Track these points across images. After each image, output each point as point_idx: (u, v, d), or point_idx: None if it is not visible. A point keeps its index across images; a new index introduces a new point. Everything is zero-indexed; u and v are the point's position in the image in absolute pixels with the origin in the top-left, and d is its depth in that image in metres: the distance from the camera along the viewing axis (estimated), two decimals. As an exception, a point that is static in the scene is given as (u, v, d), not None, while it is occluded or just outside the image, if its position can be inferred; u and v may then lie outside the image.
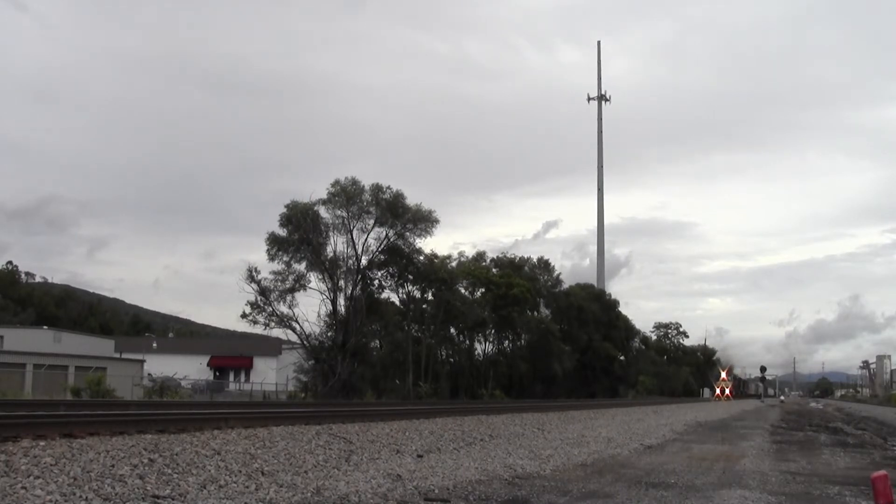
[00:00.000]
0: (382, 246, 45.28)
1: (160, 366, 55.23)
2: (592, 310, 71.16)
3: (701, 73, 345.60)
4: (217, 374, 75.41)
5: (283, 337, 49.41)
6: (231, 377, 74.60)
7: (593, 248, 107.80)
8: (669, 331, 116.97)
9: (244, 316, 42.47)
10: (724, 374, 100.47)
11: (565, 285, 71.98)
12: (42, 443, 7.98)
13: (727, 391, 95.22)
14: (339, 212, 43.62)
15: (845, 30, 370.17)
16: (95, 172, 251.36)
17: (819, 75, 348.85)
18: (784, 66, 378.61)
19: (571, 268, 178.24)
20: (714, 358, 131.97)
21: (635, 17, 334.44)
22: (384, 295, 49.52)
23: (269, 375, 59.19)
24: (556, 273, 70.54)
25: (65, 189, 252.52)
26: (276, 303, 42.65)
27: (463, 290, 54.49)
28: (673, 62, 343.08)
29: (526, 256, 67.87)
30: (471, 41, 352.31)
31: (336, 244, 44.00)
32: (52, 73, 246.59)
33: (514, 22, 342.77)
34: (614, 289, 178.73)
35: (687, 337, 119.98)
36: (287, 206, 43.09)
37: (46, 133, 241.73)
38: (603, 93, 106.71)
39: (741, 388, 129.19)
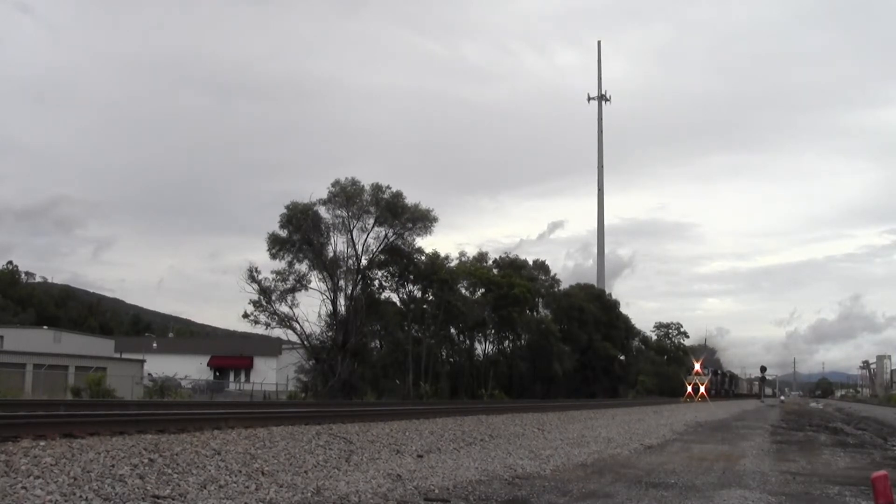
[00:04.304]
0: (382, 246, 45.31)
1: (160, 366, 55.19)
2: (592, 310, 71.12)
3: (699, 75, 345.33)
4: (217, 374, 75.34)
5: (284, 337, 49.49)
6: (231, 377, 74.52)
7: (596, 249, 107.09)
8: (670, 331, 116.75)
9: (246, 316, 42.55)
10: (697, 367, 78.19)
11: (563, 286, 72.07)
12: (42, 443, 7.98)
13: (701, 389, 73.90)
14: (340, 212, 43.69)
15: (843, 32, 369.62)
16: (99, 174, 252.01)
17: (817, 77, 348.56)
18: (782, 67, 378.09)
19: (575, 268, 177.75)
20: (715, 354, 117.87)
21: (632, 20, 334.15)
22: (384, 295, 49.59)
23: (269, 375, 59.12)
24: (553, 274, 70.72)
25: (69, 190, 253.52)
26: (276, 303, 42.74)
27: (463, 291, 54.51)
28: (671, 64, 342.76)
29: (523, 258, 67.85)
30: (468, 44, 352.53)
31: (336, 244, 44.06)
32: (55, 75, 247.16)
33: (512, 25, 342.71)
34: (618, 289, 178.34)
35: (688, 337, 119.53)
36: (287, 207, 43.15)
37: (50, 134, 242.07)
38: (603, 93, 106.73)
39: (730, 385, 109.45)
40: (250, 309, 42.24)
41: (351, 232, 43.87)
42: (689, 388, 75.36)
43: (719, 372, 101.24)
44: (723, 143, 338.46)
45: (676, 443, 18.04)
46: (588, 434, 18.09)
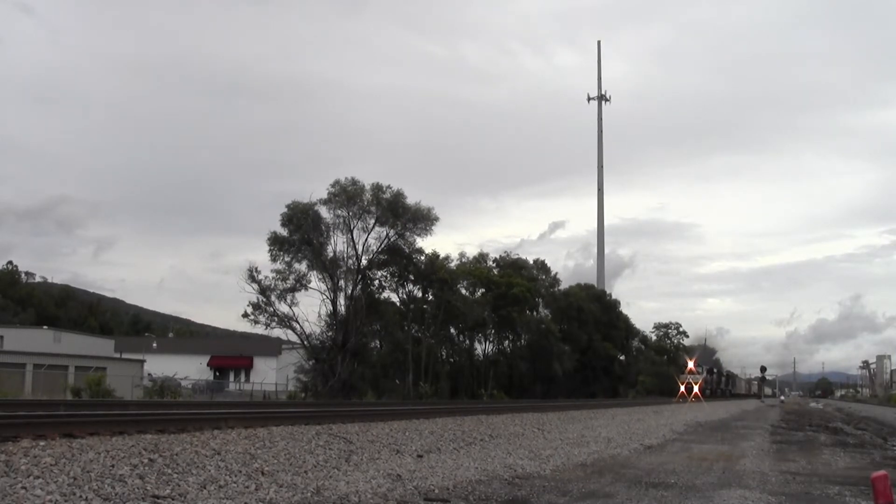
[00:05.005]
0: (383, 246, 45.30)
1: (160, 366, 55.15)
2: (592, 310, 71.13)
3: (698, 76, 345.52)
4: (217, 374, 75.32)
5: (284, 337, 49.48)
6: (231, 377, 74.51)
7: (596, 249, 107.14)
8: (670, 331, 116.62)
9: (245, 315, 42.54)
10: (690, 365, 72.62)
11: (563, 286, 72.04)
12: (42, 443, 7.97)
13: (695, 389, 68.55)
14: (340, 211, 43.70)
15: (841, 33, 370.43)
16: (99, 174, 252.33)
17: (816, 78, 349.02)
18: (781, 68, 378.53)
19: (575, 268, 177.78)
20: (715, 354, 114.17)
21: (631, 21, 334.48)
22: (384, 295, 49.58)
23: (269, 375, 59.12)
24: (553, 274, 70.72)
25: (69, 190, 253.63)
26: (276, 302, 42.74)
27: (463, 291, 54.49)
28: (670, 65, 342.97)
29: (524, 258, 67.79)
30: (468, 44, 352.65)
31: (336, 244, 44.08)
32: (55, 75, 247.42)
33: (512, 25, 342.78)
34: (618, 289, 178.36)
35: (687, 337, 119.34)
36: (288, 207, 43.15)
37: (50, 134, 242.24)
38: (603, 93, 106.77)
39: (727, 384, 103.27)
40: (250, 309, 42.30)
41: (351, 232, 43.94)
42: (682, 388, 69.95)
43: (715, 370, 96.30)
44: (723, 143, 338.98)
45: (676, 443, 18.03)
46: (588, 434, 18.08)
